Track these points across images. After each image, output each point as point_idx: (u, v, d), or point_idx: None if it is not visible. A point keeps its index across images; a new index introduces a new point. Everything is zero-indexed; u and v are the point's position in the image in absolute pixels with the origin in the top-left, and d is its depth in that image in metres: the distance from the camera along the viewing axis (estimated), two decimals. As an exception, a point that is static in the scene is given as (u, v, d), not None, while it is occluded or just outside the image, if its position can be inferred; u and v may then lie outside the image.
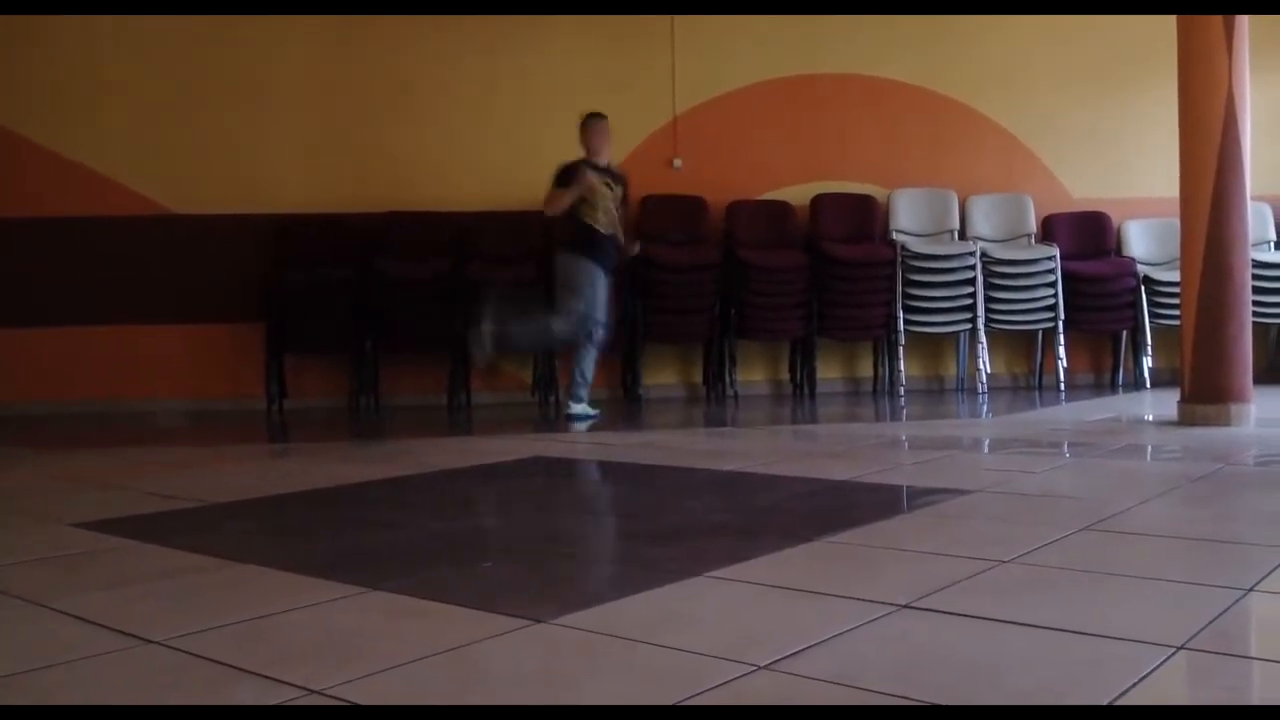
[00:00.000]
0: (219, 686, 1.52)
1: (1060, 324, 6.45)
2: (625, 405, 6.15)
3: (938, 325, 6.44)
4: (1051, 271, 6.41)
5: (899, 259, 6.36)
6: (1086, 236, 6.72)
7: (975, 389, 6.47)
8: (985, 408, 5.74)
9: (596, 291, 5.25)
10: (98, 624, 1.82)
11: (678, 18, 6.58)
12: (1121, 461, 3.65)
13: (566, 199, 5.20)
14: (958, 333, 6.57)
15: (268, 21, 6.26)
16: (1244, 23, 4.42)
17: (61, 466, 4.01)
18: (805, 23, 6.63)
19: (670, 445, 4.37)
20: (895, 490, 3.17)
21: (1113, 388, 6.63)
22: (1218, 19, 4.38)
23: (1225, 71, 4.38)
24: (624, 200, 5.44)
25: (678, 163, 6.58)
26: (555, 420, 5.47)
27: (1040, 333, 6.65)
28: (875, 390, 6.65)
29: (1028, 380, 6.83)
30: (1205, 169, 4.42)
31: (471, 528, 2.76)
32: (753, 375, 6.61)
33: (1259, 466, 3.50)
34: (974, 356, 6.48)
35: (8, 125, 6.22)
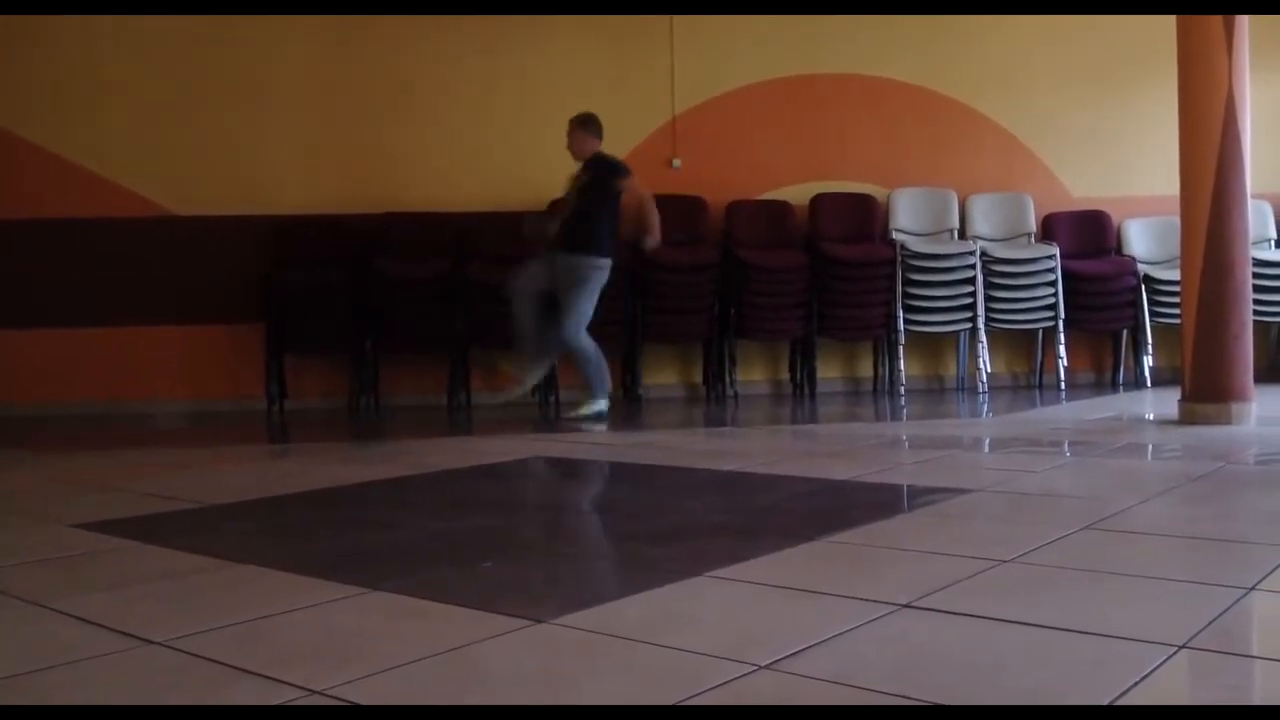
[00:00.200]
0: (219, 687, 1.52)
1: (1060, 323, 6.45)
2: (625, 405, 6.15)
3: (938, 325, 6.44)
4: (1052, 271, 6.41)
5: (899, 258, 6.36)
6: (1086, 235, 6.72)
7: (975, 388, 6.46)
8: (985, 407, 5.74)
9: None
10: (98, 624, 1.82)
11: (677, 17, 6.58)
12: (1122, 460, 3.65)
13: (552, 229, 5.35)
14: (958, 332, 6.57)
15: (268, 21, 6.26)
16: (1244, 21, 4.42)
17: (62, 467, 4.01)
18: (805, 22, 6.63)
19: (670, 445, 4.37)
20: (896, 490, 3.17)
21: (1113, 387, 6.63)
22: (1218, 18, 4.37)
23: (1225, 70, 4.38)
24: (599, 184, 5.31)
25: (677, 162, 6.57)
26: (555, 420, 5.47)
27: (1040, 332, 6.65)
28: (875, 390, 6.65)
29: (1028, 379, 6.82)
30: (1205, 167, 4.42)
31: (471, 528, 2.76)
32: (752, 375, 6.61)
33: (1260, 465, 3.50)
34: (974, 356, 6.48)
35: (8, 126, 6.22)
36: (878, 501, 2.99)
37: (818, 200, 6.58)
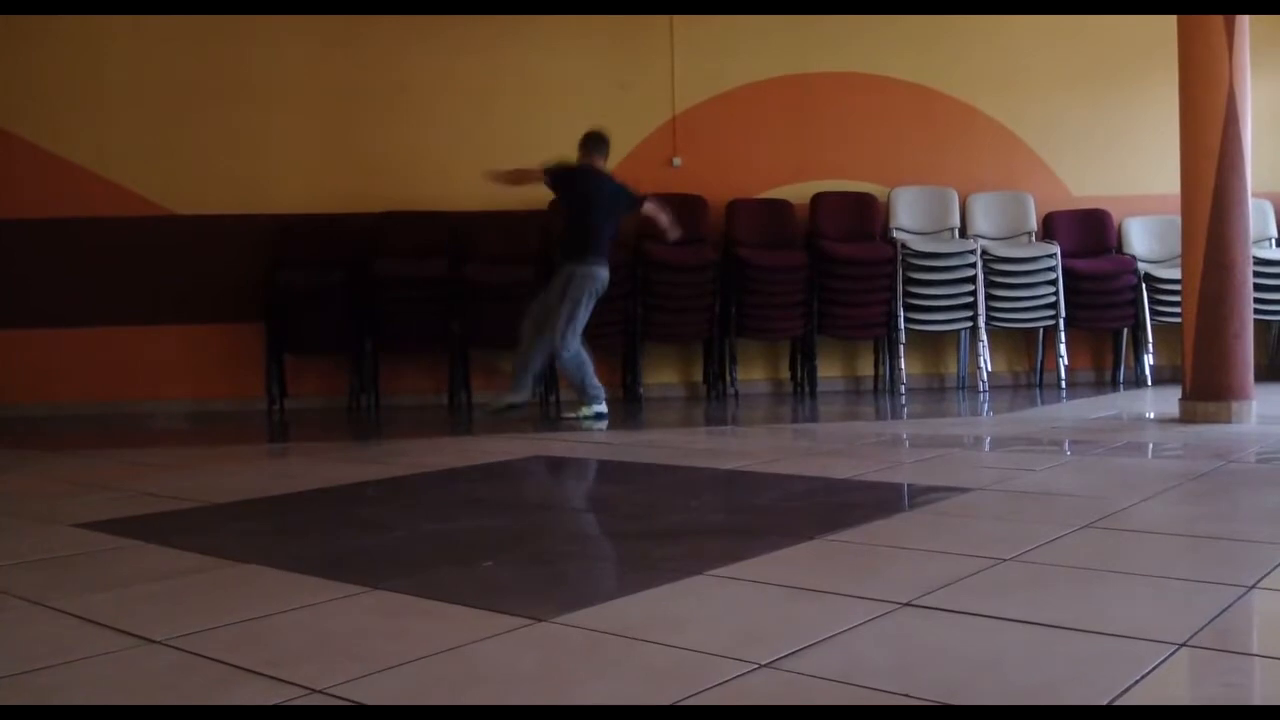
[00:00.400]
0: (220, 686, 1.52)
1: (1061, 322, 6.44)
2: (625, 404, 6.15)
3: (938, 323, 6.44)
4: (1052, 269, 6.41)
5: (899, 257, 6.36)
6: (1087, 234, 6.72)
7: (976, 387, 6.46)
8: (986, 406, 5.74)
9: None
10: (99, 624, 1.82)
11: (676, 17, 6.58)
12: (1123, 459, 3.65)
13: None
14: (958, 331, 6.57)
15: (268, 22, 6.26)
16: (1245, 20, 4.41)
17: (62, 467, 4.02)
18: (805, 22, 6.62)
19: (670, 444, 4.37)
20: (896, 488, 3.17)
21: (1114, 385, 6.63)
22: (1218, 17, 4.37)
23: (1226, 69, 4.37)
24: (613, 199, 5.43)
25: (677, 161, 6.57)
26: (555, 420, 5.47)
27: (1041, 330, 6.65)
28: (876, 389, 6.65)
29: (1029, 378, 6.82)
30: (1206, 166, 4.41)
31: (472, 527, 2.76)
32: (753, 374, 6.61)
33: (1260, 464, 3.50)
34: (975, 354, 6.48)
35: (8, 126, 6.22)
36: (878, 500, 2.99)
37: (818, 199, 6.58)
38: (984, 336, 6.40)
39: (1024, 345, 6.84)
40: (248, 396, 6.20)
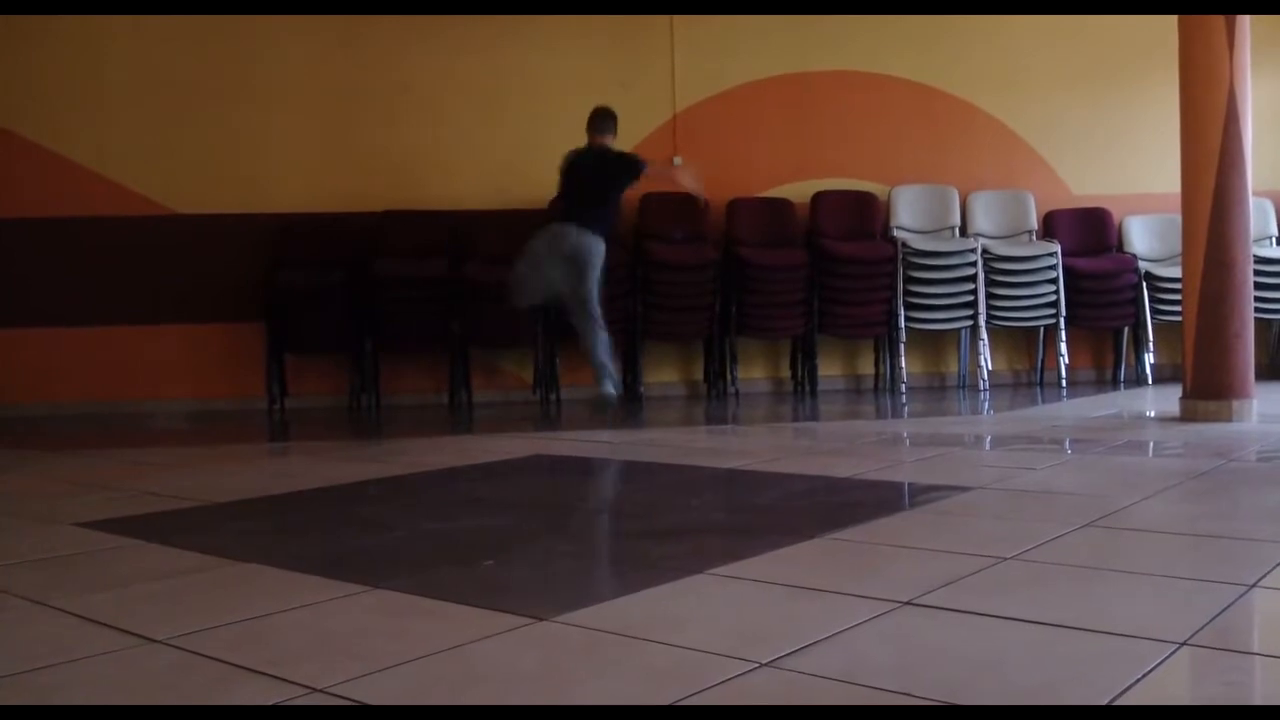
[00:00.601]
0: (221, 685, 1.52)
1: (1061, 320, 6.44)
2: (626, 403, 6.15)
3: (939, 322, 6.44)
4: (1053, 268, 6.41)
5: (900, 256, 6.35)
6: (1088, 233, 6.71)
7: (977, 386, 6.46)
8: (987, 404, 5.73)
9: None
10: (100, 623, 1.82)
11: (677, 16, 6.58)
12: (1123, 458, 3.64)
13: None
14: (959, 330, 6.56)
15: (268, 21, 6.26)
16: (1245, 20, 4.41)
17: (62, 467, 4.02)
18: (805, 21, 6.62)
19: (671, 443, 4.37)
20: (897, 487, 3.17)
21: (1114, 384, 6.63)
22: (1219, 16, 4.37)
23: (1226, 68, 4.37)
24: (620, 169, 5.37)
25: (678, 160, 6.56)
26: (557, 419, 5.47)
27: (1041, 329, 6.64)
28: (876, 387, 6.65)
29: (1029, 377, 6.82)
30: (1207, 165, 4.41)
31: (472, 527, 2.76)
32: (753, 373, 6.61)
33: (1261, 462, 3.50)
34: (975, 353, 6.48)
35: (9, 125, 6.21)
36: (879, 499, 2.99)
37: (818, 198, 6.57)
38: (984, 335, 6.40)
39: (1024, 344, 6.84)
40: (248, 396, 6.20)
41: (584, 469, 3.94)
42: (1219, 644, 1.63)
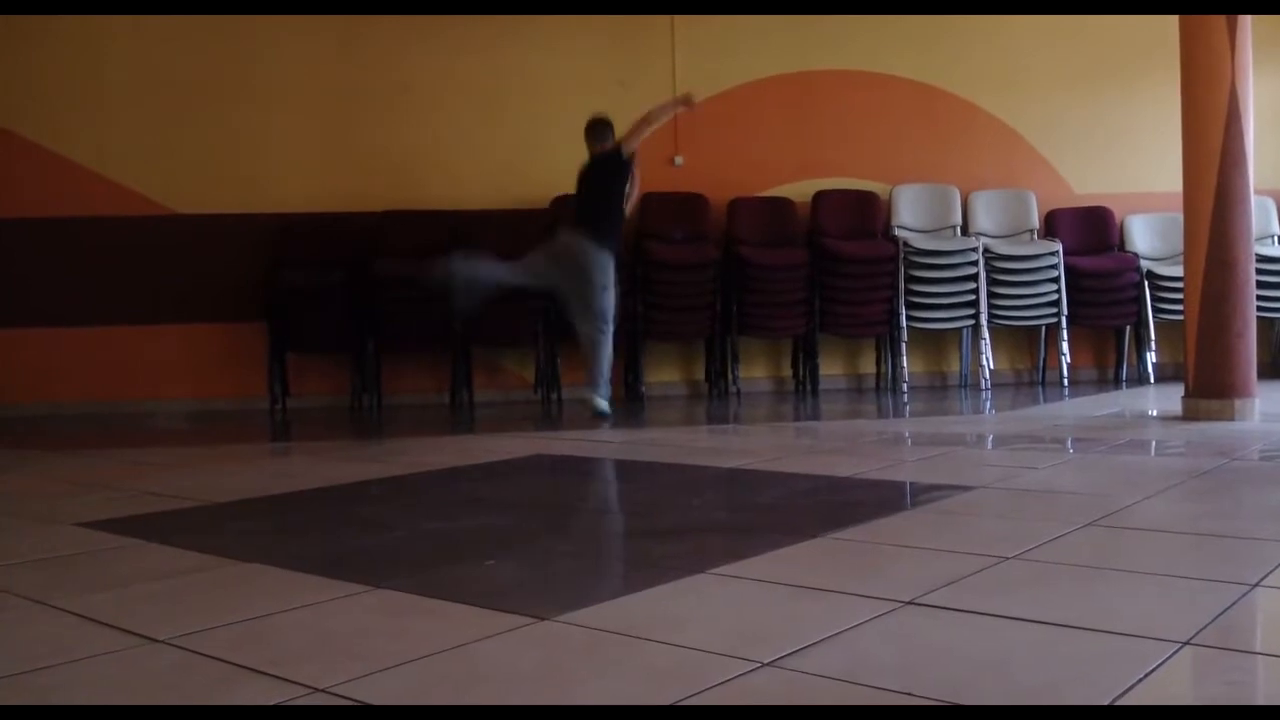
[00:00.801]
0: (223, 685, 1.52)
1: (1063, 319, 6.44)
2: (627, 403, 6.14)
3: (940, 321, 6.43)
4: (1054, 267, 6.40)
5: (901, 255, 6.35)
6: (1089, 232, 6.71)
7: (978, 385, 6.46)
8: (988, 404, 5.73)
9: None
10: (101, 623, 1.82)
11: (678, 16, 6.57)
12: (1125, 457, 3.64)
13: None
14: (960, 329, 6.56)
15: (269, 21, 6.26)
16: (1247, 19, 4.41)
17: (63, 467, 4.01)
18: (806, 20, 6.62)
19: (673, 443, 4.37)
20: (899, 487, 3.16)
21: (1116, 383, 6.62)
22: (1221, 16, 4.36)
23: (1228, 67, 4.37)
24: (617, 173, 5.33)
25: (679, 160, 6.57)
26: (558, 418, 5.47)
27: (1043, 328, 6.64)
28: (878, 387, 6.64)
29: (1031, 376, 6.82)
30: (1208, 164, 4.41)
31: (474, 526, 2.76)
32: (755, 372, 6.61)
33: (1264, 461, 3.49)
34: (977, 352, 6.47)
35: (9, 125, 6.21)
36: (880, 498, 2.99)
37: (819, 197, 6.57)
38: (986, 334, 6.40)
39: (1026, 343, 6.84)
40: (249, 396, 6.20)
41: (585, 469, 3.94)
42: (1222, 643, 1.63)
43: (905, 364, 6.41)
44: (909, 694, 1.40)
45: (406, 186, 6.37)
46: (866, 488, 3.12)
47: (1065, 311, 6.41)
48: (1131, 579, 2.00)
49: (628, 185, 5.30)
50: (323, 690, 1.47)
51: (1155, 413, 5.03)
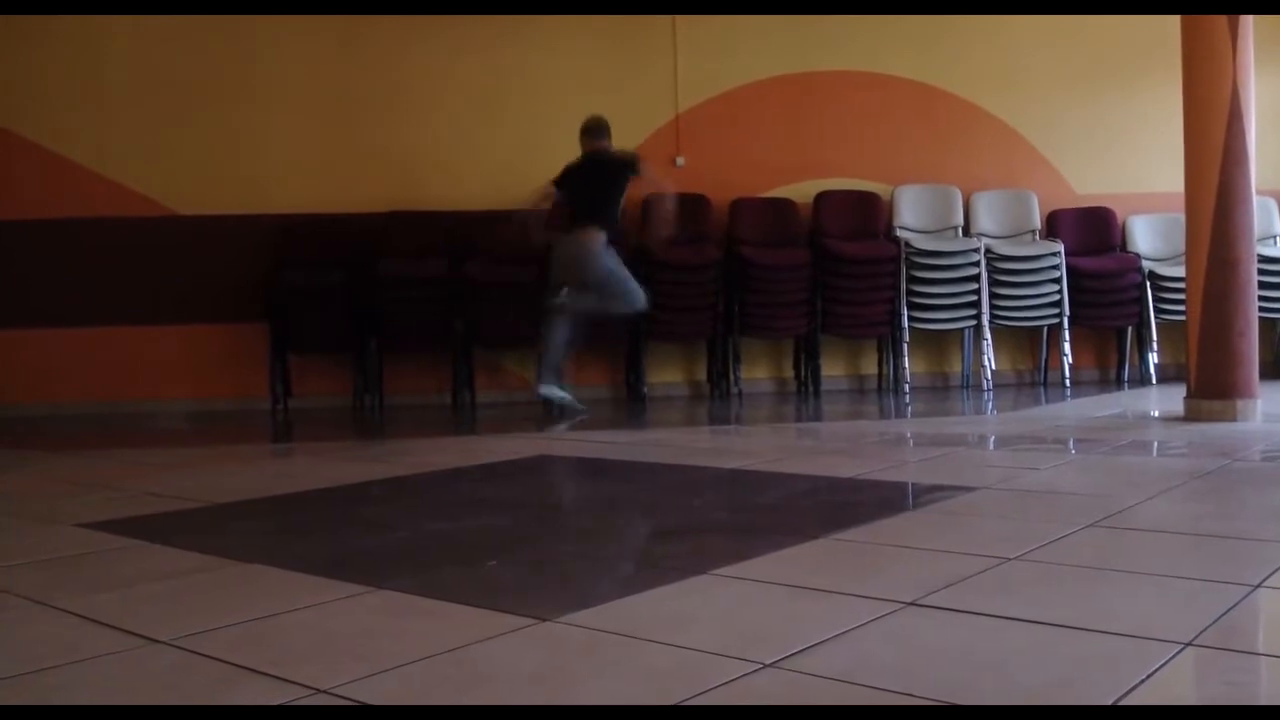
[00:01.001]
0: (224, 686, 1.52)
1: (1065, 320, 6.43)
2: (629, 404, 6.14)
3: (942, 322, 6.43)
4: (1056, 268, 6.40)
5: (903, 256, 6.35)
6: (1091, 232, 6.71)
7: (980, 385, 6.46)
8: (990, 404, 5.73)
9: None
10: (102, 623, 1.82)
11: (679, 16, 6.57)
12: (1127, 457, 3.64)
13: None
14: (962, 329, 6.56)
15: (269, 21, 6.26)
16: (1249, 19, 4.40)
17: (64, 467, 4.01)
18: (807, 20, 6.62)
19: (674, 443, 4.37)
20: (900, 487, 3.16)
21: (1118, 383, 6.62)
22: (1222, 15, 4.36)
23: (1230, 67, 4.36)
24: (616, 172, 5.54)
25: (680, 161, 6.57)
26: (559, 418, 5.47)
27: (1045, 329, 6.64)
28: (880, 387, 6.64)
29: (1033, 376, 6.81)
30: (1210, 164, 4.40)
31: (475, 527, 2.76)
32: (756, 373, 6.61)
33: (1266, 462, 3.49)
34: (979, 353, 6.47)
35: (9, 126, 6.22)
36: (882, 499, 2.99)
37: (821, 198, 6.57)
38: (988, 335, 6.40)
39: (1028, 344, 6.84)
40: (251, 396, 6.20)
41: (587, 469, 3.94)
42: (1223, 644, 1.62)
43: (907, 364, 6.40)
44: (910, 695, 1.40)
45: (407, 187, 6.37)
46: (868, 488, 3.12)
47: (1067, 312, 6.41)
48: (1133, 580, 2.00)
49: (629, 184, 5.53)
50: (324, 691, 1.47)
51: (1157, 413, 5.03)
